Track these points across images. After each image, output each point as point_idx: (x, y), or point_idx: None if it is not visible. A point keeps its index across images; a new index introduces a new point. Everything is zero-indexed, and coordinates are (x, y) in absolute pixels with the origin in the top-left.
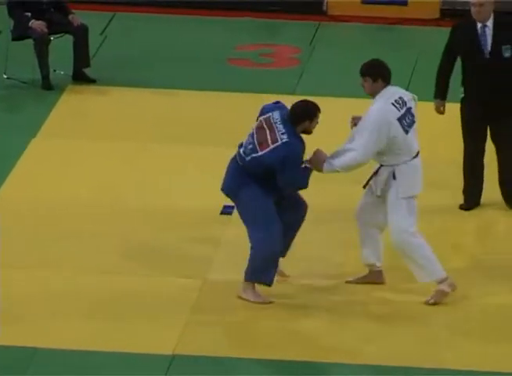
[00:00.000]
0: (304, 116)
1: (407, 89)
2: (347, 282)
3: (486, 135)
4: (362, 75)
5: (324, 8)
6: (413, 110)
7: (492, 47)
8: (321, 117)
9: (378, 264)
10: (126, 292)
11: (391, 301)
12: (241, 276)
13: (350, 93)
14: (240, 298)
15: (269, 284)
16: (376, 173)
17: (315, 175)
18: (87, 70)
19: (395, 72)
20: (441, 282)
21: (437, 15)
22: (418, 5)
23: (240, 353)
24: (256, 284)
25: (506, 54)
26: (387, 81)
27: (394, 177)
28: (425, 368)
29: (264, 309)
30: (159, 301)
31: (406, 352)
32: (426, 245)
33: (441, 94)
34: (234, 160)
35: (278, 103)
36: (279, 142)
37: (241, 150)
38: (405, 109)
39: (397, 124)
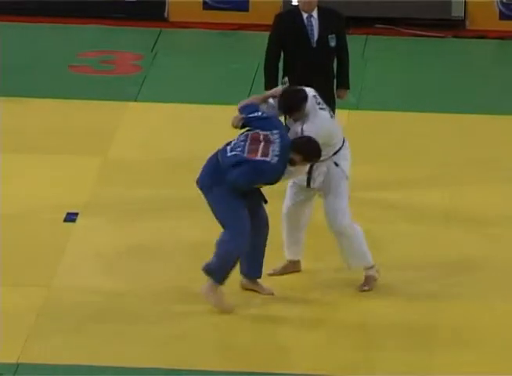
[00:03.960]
0: (304, 150)
1: (249, 95)
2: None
3: None
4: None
5: (165, 14)
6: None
7: (318, 36)
8: (163, 124)
9: (299, 257)
10: None
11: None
12: (85, 282)
13: (192, 99)
14: (204, 298)
15: (218, 283)
16: (311, 167)
17: None
18: None
19: (237, 77)
20: (370, 268)
21: None
22: (259, 11)
23: (87, 361)
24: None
25: (332, 43)
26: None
27: (336, 164)
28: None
29: (120, 316)
30: (2, 309)
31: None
32: (360, 231)
33: (274, 85)
34: (214, 156)
35: (267, 118)
36: (268, 159)
37: (228, 147)
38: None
39: (333, 122)
